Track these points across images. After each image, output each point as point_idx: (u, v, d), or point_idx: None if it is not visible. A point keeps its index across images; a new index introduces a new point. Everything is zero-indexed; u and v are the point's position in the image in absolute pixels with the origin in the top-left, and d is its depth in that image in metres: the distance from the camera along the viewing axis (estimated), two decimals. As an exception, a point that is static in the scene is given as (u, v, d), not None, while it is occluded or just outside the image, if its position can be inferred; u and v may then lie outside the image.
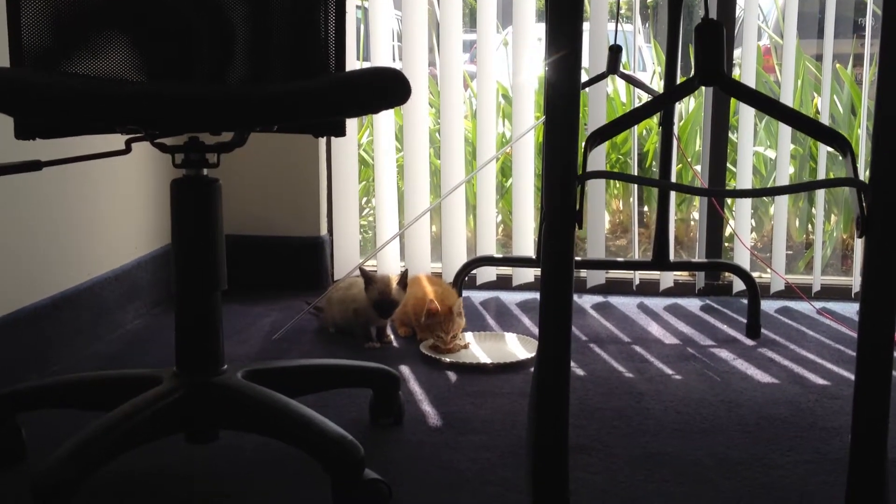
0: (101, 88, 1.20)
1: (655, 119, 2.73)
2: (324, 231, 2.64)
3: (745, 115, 2.49)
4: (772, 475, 1.43)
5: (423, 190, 2.60)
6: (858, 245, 2.53)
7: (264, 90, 1.16)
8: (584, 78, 2.84)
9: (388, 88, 1.18)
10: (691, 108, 3.11)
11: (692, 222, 3.05)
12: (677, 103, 2.51)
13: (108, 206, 2.18)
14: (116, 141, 1.36)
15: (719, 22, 0.93)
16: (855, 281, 2.51)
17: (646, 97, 2.85)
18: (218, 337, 1.39)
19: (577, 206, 0.80)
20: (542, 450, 0.87)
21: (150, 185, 2.37)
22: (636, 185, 2.75)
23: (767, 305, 2.43)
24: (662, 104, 0.92)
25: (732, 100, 2.60)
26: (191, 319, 1.37)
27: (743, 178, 2.51)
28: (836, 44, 2.42)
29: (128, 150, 1.36)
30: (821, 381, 1.86)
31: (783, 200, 2.54)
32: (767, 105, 0.90)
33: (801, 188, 0.82)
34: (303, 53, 1.48)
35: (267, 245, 2.60)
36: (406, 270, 2.09)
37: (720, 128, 2.50)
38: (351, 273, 2.41)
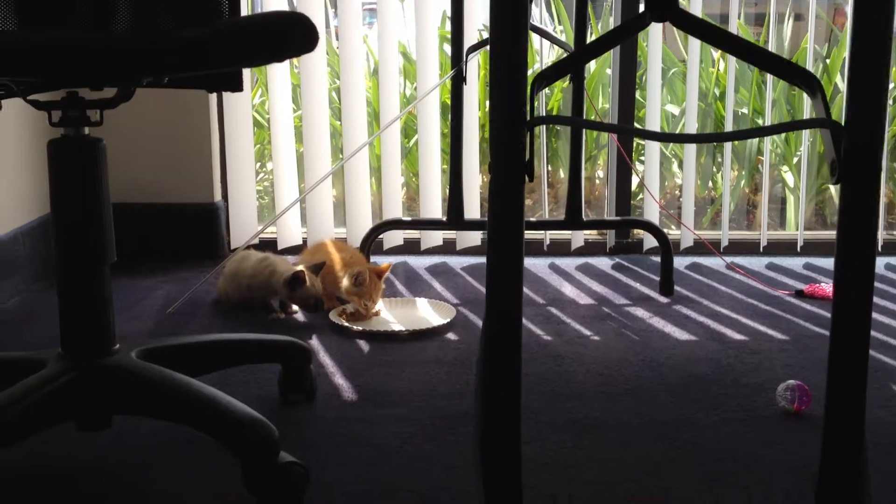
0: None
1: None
2: (218, 197, 2.48)
3: (654, 72, 2.46)
4: (701, 435, 1.39)
5: (323, 152, 2.47)
6: (764, 199, 2.53)
7: (160, 36, 1.02)
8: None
9: (295, 33, 1.06)
10: (593, 67, 3.06)
11: (597, 181, 3.02)
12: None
13: (-23, 173, 1.98)
14: (-18, 97, 1.20)
15: (669, -51, 0.85)
16: (763, 234, 2.52)
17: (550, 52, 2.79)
18: (107, 314, 1.25)
19: (528, 156, 0.72)
20: (494, 415, 0.79)
21: (24, 147, 2.17)
22: (543, 145, 2.69)
23: (677, 262, 2.41)
24: (614, 41, 0.84)
25: (641, 56, 2.56)
26: (76, 295, 1.23)
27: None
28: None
29: (-4, 106, 1.21)
30: (738, 337, 1.84)
31: (692, 155, 2.52)
32: (727, 41, 0.83)
33: (771, 131, 0.75)
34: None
35: (156, 213, 2.44)
36: (323, 263, 1.99)
37: (628, 85, 2.45)
38: (250, 241, 2.27)
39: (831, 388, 0.79)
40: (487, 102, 2.92)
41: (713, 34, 0.83)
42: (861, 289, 0.71)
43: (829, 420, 0.80)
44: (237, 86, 1.37)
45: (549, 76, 0.81)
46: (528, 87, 0.73)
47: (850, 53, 0.70)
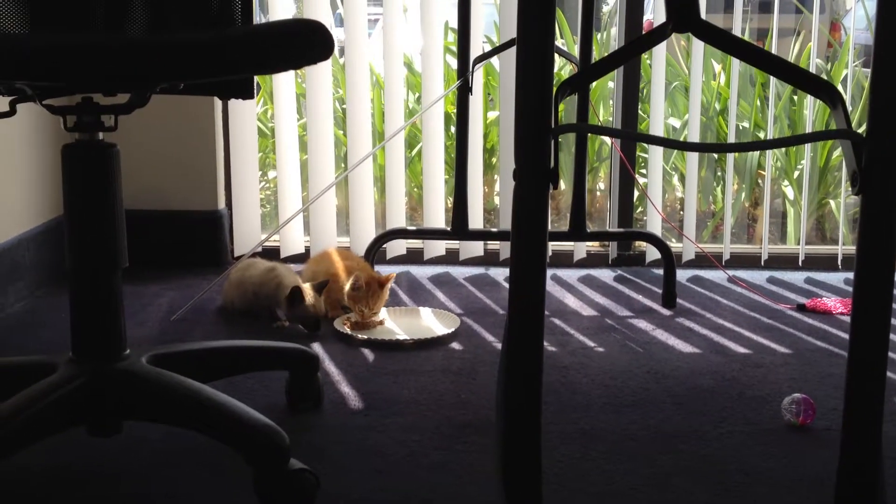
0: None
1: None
2: (222, 204, 2.49)
3: (657, 84, 2.47)
4: (708, 448, 1.40)
5: (327, 161, 2.47)
6: (766, 213, 2.55)
7: (183, 39, 1.03)
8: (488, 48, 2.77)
9: (315, 40, 1.07)
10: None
11: (598, 193, 3.03)
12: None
13: (-17, 178, 1.98)
14: (-1, 102, 1.20)
15: (692, -37, 0.86)
16: (764, 248, 2.53)
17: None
18: (119, 319, 1.26)
19: (552, 164, 0.72)
20: (516, 426, 0.79)
21: (37, 151, 2.17)
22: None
23: (679, 275, 2.41)
24: (638, 50, 0.85)
25: (644, 70, 2.58)
26: (89, 300, 1.23)
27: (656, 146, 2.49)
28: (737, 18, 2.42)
29: (12, 112, 1.21)
30: (742, 350, 1.85)
31: (694, 168, 2.53)
32: (749, 53, 0.84)
33: (793, 142, 0.76)
34: (208, 4, 1.34)
35: (160, 219, 2.43)
36: (327, 281, 1.97)
37: (631, 97, 2.46)
38: (254, 250, 2.27)
39: (849, 402, 0.80)
40: (490, 113, 2.93)
41: (736, 46, 0.83)
42: (881, 299, 0.72)
43: (847, 434, 0.81)
44: (249, 93, 1.37)
45: (573, 84, 0.81)
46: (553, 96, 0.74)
47: (872, 64, 0.71)
